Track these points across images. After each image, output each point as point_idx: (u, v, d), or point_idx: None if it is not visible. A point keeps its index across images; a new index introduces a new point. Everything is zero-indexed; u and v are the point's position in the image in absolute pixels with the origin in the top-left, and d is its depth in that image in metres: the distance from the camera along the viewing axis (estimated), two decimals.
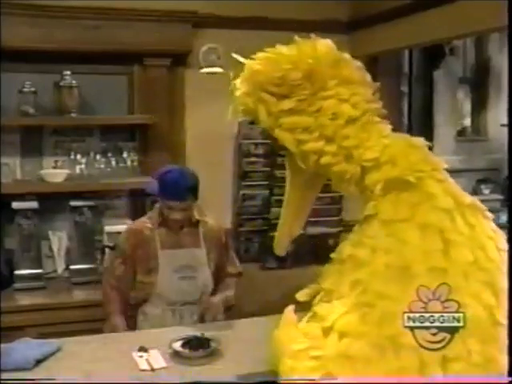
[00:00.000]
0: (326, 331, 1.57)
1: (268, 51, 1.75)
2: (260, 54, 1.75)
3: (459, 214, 1.60)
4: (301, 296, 1.79)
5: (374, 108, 1.75)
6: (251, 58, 1.77)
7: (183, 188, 2.64)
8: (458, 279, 1.51)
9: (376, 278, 1.54)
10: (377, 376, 1.45)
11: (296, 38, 1.75)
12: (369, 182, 1.68)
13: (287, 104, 1.68)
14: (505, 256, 1.61)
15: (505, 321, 1.50)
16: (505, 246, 1.64)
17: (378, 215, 1.64)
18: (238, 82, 1.77)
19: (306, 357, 1.59)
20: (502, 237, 1.66)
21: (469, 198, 1.67)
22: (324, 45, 1.75)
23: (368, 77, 1.79)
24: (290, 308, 1.80)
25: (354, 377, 1.47)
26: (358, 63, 1.79)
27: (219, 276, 2.82)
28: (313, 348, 1.59)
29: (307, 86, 1.67)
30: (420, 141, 1.75)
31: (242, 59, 1.79)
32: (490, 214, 1.69)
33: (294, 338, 1.67)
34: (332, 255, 1.75)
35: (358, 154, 1.68)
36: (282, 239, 1.99)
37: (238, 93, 1.75)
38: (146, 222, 2.77)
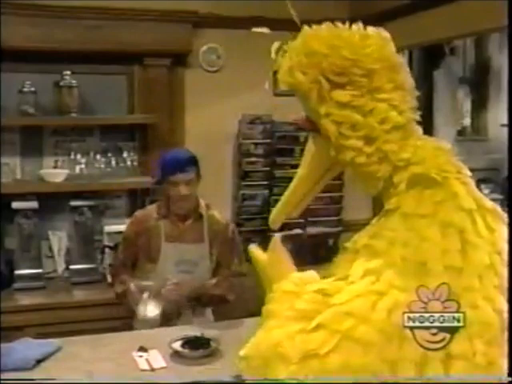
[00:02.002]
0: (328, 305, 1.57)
1: (328, 31, 1.70)
2: (321, 33, 1.70)
3: (480, 217, 1.59)
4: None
5: (415, 117, 1.74)
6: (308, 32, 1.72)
7: (183, 159, 2.73)
8: (472, 280, 1.50)
9: (390, 269, 1.52)
10: (374, 362, 1.45)
11: (359, 25, 1.70)
12: (396, 180, 1.67)
13: (342, 96, 1.63)
14: None
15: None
16: None
17: (399, 209, 1.62)
18: (289, 49, 1.72)
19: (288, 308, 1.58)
20: None
21: (490, 203, 1.67)
22: (389, 45, 1.73)
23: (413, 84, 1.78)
24: (277, 236, 1.79)
25: (348, 358, 1.47)
26: (407, 68, 1.78)
27: (220, 273, 2.81)
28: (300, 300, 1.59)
29: (365, 83, 1.64)
30: (447, 144, 1.75)
31: (296, 18, 1.78)
32: (508, 220, 1.68)
33: (283, 278, 1.68)
34: (346, 244, 1.74)
35: (391, 155, 1.66)
36: (280, 216, 1.97)
37: (290, 63, 1.69)
38: (152, 212, 2.81)
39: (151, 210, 2.85)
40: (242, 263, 2.86)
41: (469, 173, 1.71)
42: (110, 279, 2.90)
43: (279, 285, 1.67)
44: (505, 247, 1.59)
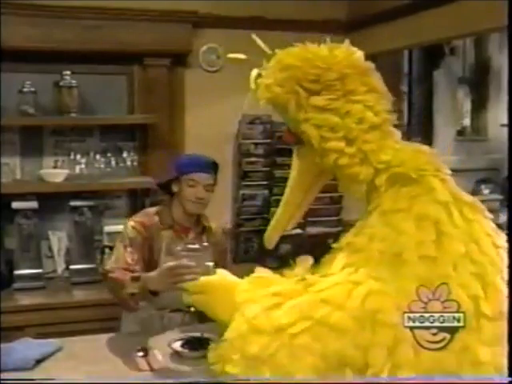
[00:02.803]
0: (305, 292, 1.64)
1: (299, 48, 1.82)
2: (292, 50, 1.82)
3: (457, 209, 1.65)
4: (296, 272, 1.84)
5: (391, 118, 1.83)
6: (278, 53, 1.83)
7: (206, 160, 2.65)
8: (446, 268, 1.56)
9: (368, 262, 1.59)
10: (347, 347, 1.49)
11: (327, 40, 1.84)
12: (378, 183, 1.74)
13: (318, 100, 1.74)
14: (502, 252, 1.65)
15: (491, 314, 1.54)
16: (504, 244, 1.67)
17: (378, 207, 1.70)
18: (265, 71, 1.84)
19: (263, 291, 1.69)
20: (502, 237, 1.69)
21: (469, 197, 1.73)
22: (357, 53, 1.84)
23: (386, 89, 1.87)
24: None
25: (320, 342, 1.51)
26: (378, 74, 1.87)
27: None
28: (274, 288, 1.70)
29: (339, 87, 1.75)
30: (427, 147, 1.83)
31: (267, 49, 1.87)
32: (489, 215, 1.73)
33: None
34: (333, 245, 1.80)
35: (372, 156, 1.75)
36: (275, 233, 2.03)
37: (267, 81, 1.81)
38: (152, 218, 2.65)
39: (152, 215, 2.68)
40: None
41: (449, 171, 1.77)
42: (109, 283, 2.52)
43: (248, 278, 1.78)
44: (483, 237, 1.64)
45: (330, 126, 1.74)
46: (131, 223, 2.64)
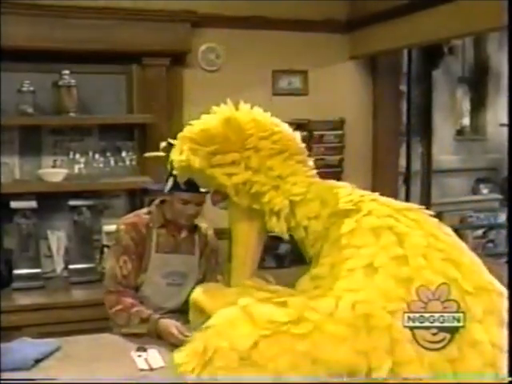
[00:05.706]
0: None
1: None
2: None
3: (401, 215, 1.75)
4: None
5: (294, 147, 1.99)
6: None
7: None
8: (418, 261, 1.60)
9: (340, 281, 1.63)
10: (348, 355, 1.50)
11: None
12: (300, 217, 1.85)
13: (213, 146, 1.95)
14: (455, 238, 1.76)
15: (472, 290, 1.57)
16: (451, 233, 1.78)
17: (326, 242, 1.79)
18: (173, 152, 2.12)
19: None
20: (446, 228, 1.79)
21: (406, 204, 1.87)
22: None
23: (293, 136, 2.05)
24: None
25: (323, 352, 1.52)
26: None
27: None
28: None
29: (229, 134, 1.96)
30: (344, 184, 1.97)
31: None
32: (430, 212, 1.83)
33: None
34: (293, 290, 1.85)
35: (285, 186, 1.88)
36: (241, 280, 2.10)
37: (175, 157, 2.08)
38: (143, 218, 2.65)
39: (141, 216, 2.68)
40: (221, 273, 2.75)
41: (371, 193, 1.89)
42: (111, 307, 2.56)
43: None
44: (434, 229, 1.73)
45: (230, 162, 1.91)
46: (122, 227, 2.63)
